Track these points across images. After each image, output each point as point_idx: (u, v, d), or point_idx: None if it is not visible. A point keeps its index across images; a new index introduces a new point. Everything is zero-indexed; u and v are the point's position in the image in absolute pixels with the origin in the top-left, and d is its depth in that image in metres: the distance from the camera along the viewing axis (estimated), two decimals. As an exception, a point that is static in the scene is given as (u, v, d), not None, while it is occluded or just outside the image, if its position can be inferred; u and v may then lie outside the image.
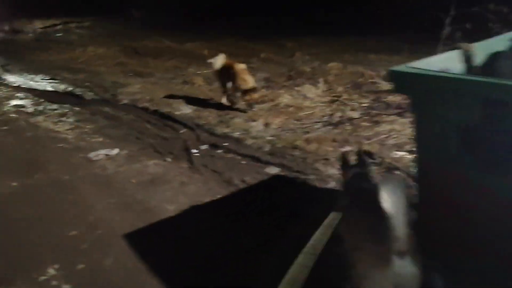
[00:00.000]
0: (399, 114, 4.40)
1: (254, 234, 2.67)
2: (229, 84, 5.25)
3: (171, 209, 3.07)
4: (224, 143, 4.22)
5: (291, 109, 5.10)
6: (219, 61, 5.39)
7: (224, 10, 11.89)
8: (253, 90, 5.01)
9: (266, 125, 4.64)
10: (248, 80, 5.06)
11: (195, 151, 4.07)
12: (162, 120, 5.05)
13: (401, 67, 1.88)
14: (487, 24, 5.18)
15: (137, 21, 13.36)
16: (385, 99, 5.00)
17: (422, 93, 1.86)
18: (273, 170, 3.56)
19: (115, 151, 4.17)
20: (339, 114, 4.77)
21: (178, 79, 6.82)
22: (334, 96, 5.41)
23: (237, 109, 5.12)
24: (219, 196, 3.20)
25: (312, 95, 5.54)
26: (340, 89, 5.64)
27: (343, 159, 2.18)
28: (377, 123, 4.33)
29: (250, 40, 9.25)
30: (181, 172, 3.67)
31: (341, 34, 8.86)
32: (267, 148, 4.04)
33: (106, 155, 4.09)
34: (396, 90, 1.98)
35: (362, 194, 1.78)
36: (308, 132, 4.32)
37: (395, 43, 7.37)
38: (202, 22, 11.64)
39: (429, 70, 1.82)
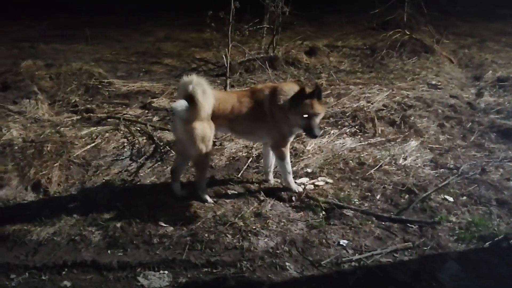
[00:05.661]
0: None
1: None
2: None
3: None
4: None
5: (48, 147, 3.18)
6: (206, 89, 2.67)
7: None
8: None
9: (46, 192, 2.92)
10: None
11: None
12: None
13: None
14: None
15: None
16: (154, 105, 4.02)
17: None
18: (154, 281, 2.19)
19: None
20: (139, 143, 3.42)
21: None
22: (98, 114, 3.91)
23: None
24: None
25: (47, 115, 3.79)
26: (76, 98, 4.12)
27: None
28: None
29: None
30: None
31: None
32: (98, 245, 2.47)
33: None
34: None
35: None
36: (133, 187, 3.00)
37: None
38: None
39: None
